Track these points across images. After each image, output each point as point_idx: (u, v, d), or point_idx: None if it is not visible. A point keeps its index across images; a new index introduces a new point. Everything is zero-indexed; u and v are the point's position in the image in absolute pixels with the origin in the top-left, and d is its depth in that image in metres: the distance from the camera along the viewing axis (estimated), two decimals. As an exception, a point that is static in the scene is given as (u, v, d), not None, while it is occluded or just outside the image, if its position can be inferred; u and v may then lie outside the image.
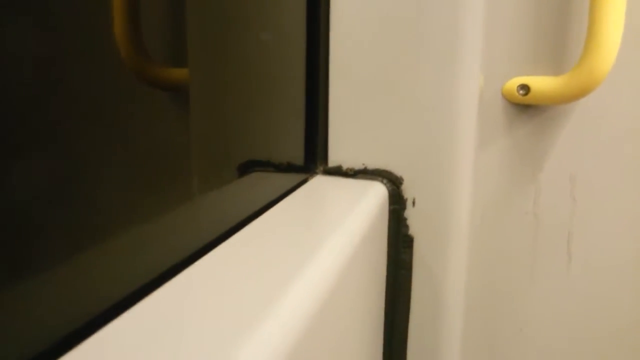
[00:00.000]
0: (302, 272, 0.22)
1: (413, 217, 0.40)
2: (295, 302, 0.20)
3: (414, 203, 0.40)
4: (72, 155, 0.19)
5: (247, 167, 0.35)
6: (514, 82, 0.50)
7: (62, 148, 0.19)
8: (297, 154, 0.39)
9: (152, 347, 0.15)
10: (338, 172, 0.40)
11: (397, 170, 0.39)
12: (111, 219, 0.21)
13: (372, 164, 0.40)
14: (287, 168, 0.38)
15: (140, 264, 0.22)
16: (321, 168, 0.40)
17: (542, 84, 0.49)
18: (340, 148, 0.40)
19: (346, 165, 0.40)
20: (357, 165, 0.40)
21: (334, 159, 0.40)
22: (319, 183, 0.38)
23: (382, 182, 0.39)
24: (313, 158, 0.40)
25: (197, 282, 0.21)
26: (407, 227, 0.40)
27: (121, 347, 0.15)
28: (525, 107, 0.52)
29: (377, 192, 0.37)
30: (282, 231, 0.27)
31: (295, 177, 0.38)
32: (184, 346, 0.16)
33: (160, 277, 0.21)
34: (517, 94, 0.50)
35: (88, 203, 0.20)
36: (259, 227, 0.27)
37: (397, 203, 0.39)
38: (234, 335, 0.16)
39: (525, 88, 0.49)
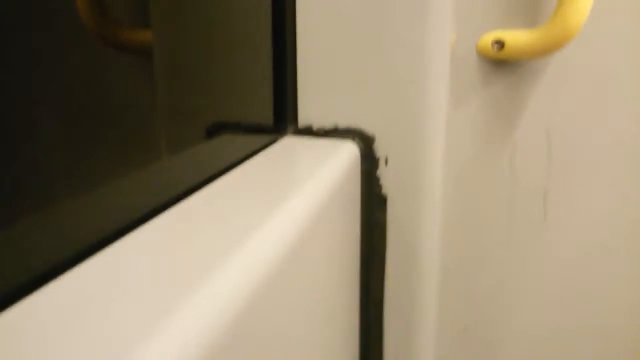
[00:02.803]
0: (265, 224, 0.23)
1: (386, 176, 0.41)
2: (258, 253, 0.20)
3: (386, 162, 0.40)
4: (36, 119, 0.19)
5: (215, 129, 0.35)
6: (488, 38, 0.50)
7: (27, 112, 0.19)
8: (266, 115, 0.40)
9: (99, 299, 0.16)
10: (308, 131, 0.40)
11: (369, 129, 0.40)
12: (75, 178, 0.22)
13: (343, 123, 0.40)
14: (256, 129, 0.39)
15: (101, 219, 0.23)
16: (291, 128, 0.41)
17: (516, 38, 0.49)
18: (311, 107, 0.41)
19: (317, 124, 0.40)
20: (328, 124, 0.40)
21: (304, 119, 0.41)
22: (288, 143, 0.38)
23: (353, 141, 0.39)
24: (282, 118, 0.40)
25: (154, 238, 0.21)
26: (380, 186, 0.41)
27: (76, 295, 0.16)
28: (500, 63, 0.53)
29: (348, 151, 0.38)
30: (246, 189, 0.28)
31: (265, 138, 0.38)
32: (136, 295, 0.16)
33: (123, 229, 0.22)
34: (491, 49, 0.50)
35: (52, 163, 0.21)
36: (223, 185, 0.28)
37: (368, 162, 0.40)
38: (188, 286, 0.17)
39: (499, 43, 0.50)
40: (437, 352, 0.50)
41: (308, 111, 0.41)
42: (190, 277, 0.18)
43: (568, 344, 0.63)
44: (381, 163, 0.40)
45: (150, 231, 0.22)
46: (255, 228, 0.22)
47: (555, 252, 0.61)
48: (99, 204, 0.23)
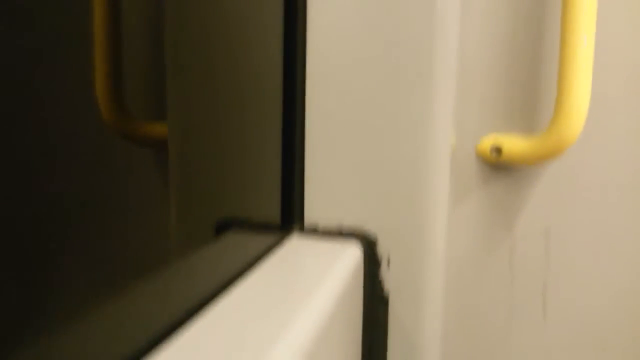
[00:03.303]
0: (281, 339, 0.23)
1: (388, 277, 0.42)
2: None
3: (388, 263, 0.42)
4: (48, 213, 0.20)
5: (224, 226, 0.36)
6: (486, 143, 0.53)
7: (38, 206, 0.19)
8: (274, 213, 0.41)
9: None
10: (314, 231, 0.42)
11: (372, 230, 0.42)
12: (82, 282, 0.22)
13: (347, 223, 0.42)
14: (264, 227, 0.40)
15: (113, 336, 0.23)
16: (297, 227, 0.42)
17: (514, 145, 0.52)
18: (316, 207, 0.42)
19: (322, 224, 0.42)
20: (333, 224, 0.42)
21: (310, 219, 0.42)
22: (294, 246, 0.40)
23: (357, 242, 0.41)
24: (290, 217, 0.42)
25: (175, 356, 0.22)
26: (381, 287, 0.42)
27: None
28: (499, 165, 0.55)
29: (352, 253, 0.39)
30: (260, 299, 0.29)
31: (272, 237, 0.39)
32: None
33: (137, 351, 0.22)
34: (490, 155, 0.53)
35: (61, 263, 0.21)
36: (236, 295, 0.29)
37: (372, 263, 0.41)
38: None
39: (497, 150, 0.52)
40: None
41: (314, 210, 0.42)
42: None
43: None
44: (383, 263, 0.42)
45: (167, 350, 0.22)
46: (268, 345, 0.23)
47: (554, 350, 0.61)
48: (106, 315, 0.23)
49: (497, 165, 0.55)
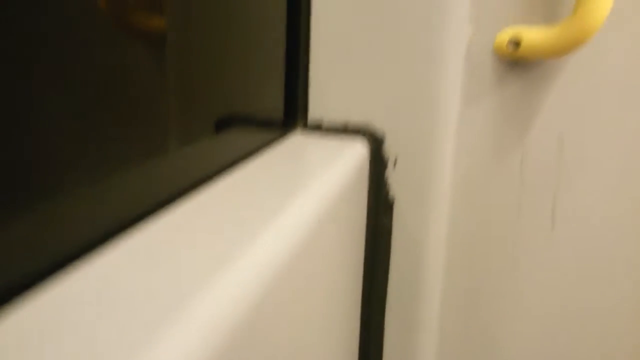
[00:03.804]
0: (272, 225, 0.22)
1: (394, 179, 0.40)
2: (264, 254, 0.20)
3: (395, 163, 0.40)
4: (45, 103, 0.19)
5: (225, 122, 0.35)
6: (504, 36, 0.50)
7: (35, 94, 0.19)
8: (276, 110, 0.39)
9: (109, 292, 0.16)
10: (318, 128, 0.40)
11: (380, 128, 0.40)
12: (82, 167, 0.22)
13: (353, 120, 0.40)
14: (266, 123, 0.38)
15: (108, 212, 0.22)
16: (301, 123, 0.40)
17: (533, 37, 0.49)
18: (322, 103, 0.40)
19: (327, 120, 0.40)
20: (339, 120, 0.40)
21: (314, 114, 0.40)
22: (297, 140, 0.38)
23: (363, 140, 0.39)
24: (293, 113, 0.40)
25: (158, 235, 0.21)
26: (387, 189, 0.40)
27: (90, 285, 0.16)
28: (515, 63, 0.52)
29: (358, 150, 0.37)
30: (254, 188, 0.28)
31: (274, 133, 0.38)
32: (146, 291, 0.16)
33: (129, 223, 0.22)
34: (507, 49, 0.50)
35: (60, 150, 0.21)
36: (230, 183, 0.28)
37: (378, 163, 0.40)
38: (195, 285, 0.17)
39: (515, 42, 0.49)
40: (438, 355, 0.50)
41: (319, 106, 0.40)
42: (197, 275, 0.18)
43: (573, 350, 0.63)
44: (390, 164, 0.40)
45: (157, 228, 0.22)
46: (261, 230, 0.22)
47: (561, 259, 0.61)
48: (106, 196, 0.23)
49: (514, 63, 0.52)
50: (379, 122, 0.39)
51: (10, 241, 0.18)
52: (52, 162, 0.20)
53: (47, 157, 0.20)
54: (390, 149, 0.40)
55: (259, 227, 0.22)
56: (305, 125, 0.40)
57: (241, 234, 0.22)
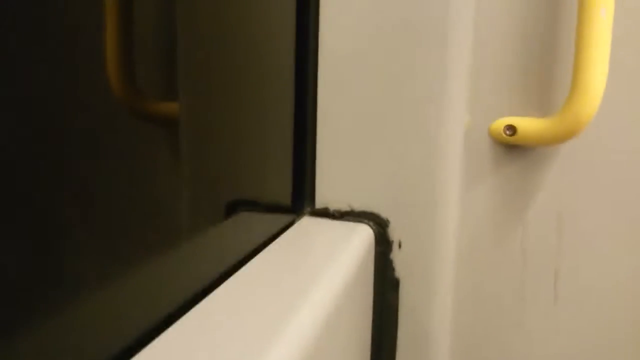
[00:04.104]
0: (289, 319, 0.24)
1: (399, 260, 0.42)
2: (283, 347, 0.22)
3: (400, 245, 0.42)
4: (54, 194, 0.20)
5: (235, 207, 0.37)
6: (500, 123, 0.53)
7: (47, 184, 0.19)
8: (284, 195, 0.41)
9: None
10: (325, 213, 0.42)
11: (383, 212, 0.42)
12: (93, 262, 0.22)
13: (358, 205, 0.42)
14: (275, 208, 0.40)
15: (125, 317, 0.23)
16: (308, 209, 0.43)
17: (528, 125, 0.51)
18: (327, 189, 0.42)
19: (333, 206, 0.42)
20: (344, 206, 0.42)
21: (320, 200, 0.43)
22: (306, 227, 0.40)
23: (368, 224, 0.41)
24: (300, 198, 0.42)
25: (182, 337, 0.22)
26: (393, 269, 0.42)
27: None
28: (512, 146, 0.55)
29: (363, 234, 0.39)
30: (269, 279, 0.29)
31: (283, 218, 0.40)
32: None
33: (147, 332, 0.22)
34: (503, 134, 0.52)
35: (72, 247, 0.21)
36: (247, 275, 0.29)
37: (383, 245, 0.42)
38: None
39: (511, 129, 0.52)
40: None
41: (325, 192, 0.42)
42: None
43: None
44: (395, 246, 0.42)
45: (175, 332, 0.23)
46: (282, 321, 0.23)
47: (565, 334, 0.61)
48: (120, 296, 0.23)
49: (510, 147, 0.55)
50: (383, 208, 0.42)
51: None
52: (62, 268, 0.20)
53: (54, 254, 0.20)
54: (394, 232, 0.42)
55: (286, 313, 0.24)
56: (313, 210, 0.42)
57: (259, 331, 0.23)
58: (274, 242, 0.35)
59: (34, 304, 0.19)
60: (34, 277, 0.19)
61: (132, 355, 0.20)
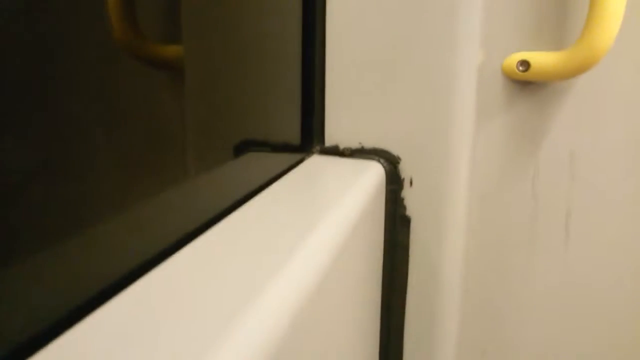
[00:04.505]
0: (296, 253, 0.23)
1: (410, 197, 0.42)
2: (290, 282, 0.21)
3: (411, 183, 0.41)
4: (64, 135, 0.20)
5: (243, 147, 0.36)
6: (513, 58, 0.51)
7: (54, 127, 0.19)
8: (293, 134, 0.41)
9: (135, 335, 0.17)
10: (335, 151, 0.42)
11: (395, 149, 0.41)
12: (103, 199, 0.22)
13: (369, 143, 0.41)
14: (283, 148, 0.40)
15: (134, 245, 0.23)
16: (318, 147, 0.42)
17: (542, 59, 0.50)
18: (337, 127, 0.42)
19: (343, 144, 0.42)
20: (354, 144, 0.41)
21: (330, 138, 0.42)
22: (314, 163, 0.39)
23: (379, 161, 0.41)
24: (309, 137, 0.42)
25: (189, 265, 0.22)
26: (404, 207, 0.42)
27: (103, 334, 0.17)
28: (525, 83, 0.54)
29: (374, 171, 0.39)
30: (276, 213, 0.29)
31: (292, 157, 0.39)
32: (174, 327, 0.17)
33: (154, 258, 0.22)
34: (516, 70, 0.51)
35: (81, 182, 0.21)
36: (253, 209, 0.29)
37: (394, 183, 0.41)
38: (226, 317, 0.18)
39: (525, 64, 0.51)
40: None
41: (335, 130, 0.42)
42: (235, 299, 0.19)
43: (586, 354, 0.64)
44: (406, 184, 0.41)
45: (184, 259, 0.23)
46: (293, 250, 0.23)
47: (576, 274, 0.62)
48: (128, 226, 0.24)
49: (524, 84, 0.54)
50: (394, 145, 0.41)
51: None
52: (74, 190, 0.21)
53: (71, 185, 0.20)
54: (406, 170, 0.41)
55: (291, 249, 0.23)
56: (322, 149, 0.42)
57: (275, 256, 0.23)
58: (280, 179, 0.34)
59: (47, 225, 0.19)
60: (49, 201, 0.19)
61: (141, 275, 0.21)
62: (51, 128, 0.19)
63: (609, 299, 0.63)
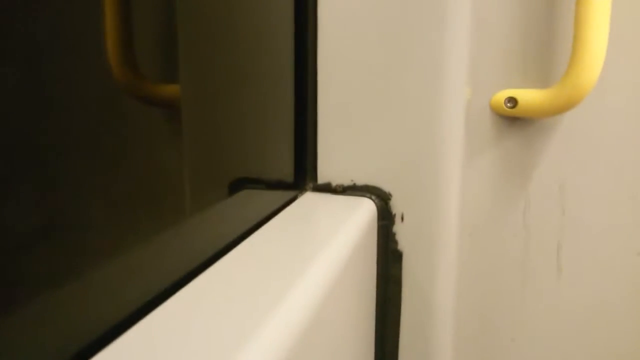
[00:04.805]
0: (292, 291, 0.24)
1: (402, 233, 0.43)
2: (286, 319, 0.22)
3: (402, 218, 0.43)
4: (62, 175, 0.20)
5: (238, 185, 0.37)
6: (501, 95, 0.53)
7: (54, 168, 0.20)
8: (287, 171, 0.42)
9: None
10: (327, 188, 0.43)
11: (386, 186, 0.42)
12: (101, 242, 0.23)
13: (360, 180, 0.43)
14: (277, 185, 0.41)
15: (132, 287, 0.24)
16: (311, 185, 0.43)
17: (529, 97, 0.52)
18: (329, 165, 0.43)
19: (335, 181, 0.43)
20: (346, 181, 0.43)
21: (323, 176, 0.43)
22: (308, 200, 0.41)
23: (370, 198, 0.42)
24: (303, 175, 0.43)
25: (187, 306, 0.23)
26: (395, 242, 0.43)
27: None
28: (513, 119, 0.56)
29: (366, 208, 0.40)
30: (272, 251, 0.30)
31: (285, 194, 0.40)
32: None
33: (153, 299, 0.23)
34: (504, 107, 0.53)
35: (81, 223, 0.21)
36: (250, 247, 0.30)
37: (385, 218, 0.42)
38: (223, 355, 0.18)
39: (512, 101, 0.52)
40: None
41: (327, 168, 0.43)
42: (227, 343, 0.20)
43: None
44: (397, 219, 0.43)
45: (180, 302, 0.23)
46: (285, 292, 0.24)
47: (569, 307, 0.62)
48: (126, 268, 0.24)
49: (512, 120, 0.55)
50: (385, 182, 0.42)
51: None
52: (74, 239, 0.21)
53: (65, 228, 0.20)
54: (397, 206, 0.42)
55: (285, 287, 0.24)
56: (315, 185, 0.43)
57: (269, 296, 0.23)
58: (275, 217, 0.35)
59: (48, 271, 0.19)
60: (49, 247, 0.19)
61: (139, 319, 0.21)
62: (50, 168, 0.20)
63: (602, 330, 0.63)
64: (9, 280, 0.18)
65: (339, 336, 0.31)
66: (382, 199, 0.42)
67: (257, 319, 0.21)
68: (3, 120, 0.17)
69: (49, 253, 0.20)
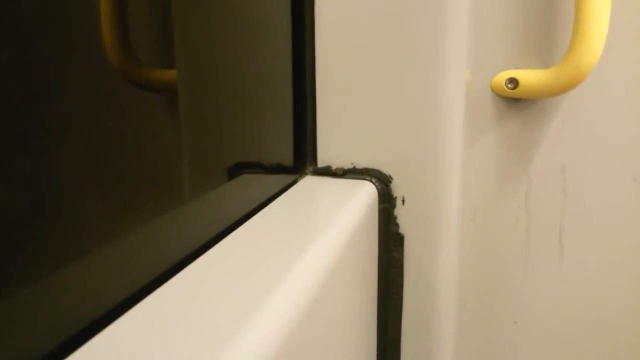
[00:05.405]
0: (291, 272, 0.24)
1: (403, 215, 0.43)
2: (285, 301, 0.22)
3: (403, 201, 0.42)
4: (59, 160, 0.20)
5: (237, 169, 0.37)
6: (502, 76, 0.53)
7: (51, 152, 0.20)
8: (286, 155, 0.42)
9: (144, 352, 0.17)
10: (327, 172, 0.43)
11: (386, 169, 0.42)
12: (100, 225, 0.23)
13: (360, 163, 0.42)
14: (277, 169, 0.41)
15: (132, 270, 0.24)
16: (310, 168, 0.43)
17: (530, 77, 0.51)
18: (329, 148, 0.43)
19: (335, 165, 0.43)
20: (346, 164, 0.43)
21: (323, 159, 0.43)
22: (308, 184, 0.41)
23: (371, 181, 0.42)
24: (302, 159, 0.43)
25: (188, 288, 0.23)
26: (397, 225, 0.43)
27: (114, 352, 0.17)
28: (514, 100, 0.55)
29: (366, 191, 0.40)
30: (271, 233, 0.30)
31: (285, 178, 0.40)
32: (174, 348, 0.18)
33: (153, 282, 0.23)
34: (505, 87, 0.52)
35: (78, 208, 0.21)
36: (249, 230, 0.30)
37: (386, 202, 0.42)
38: (223, 337, 0.18)
39: (513, 82, 0.52)
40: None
41: (327, 151, 0.43)
42: (229, 322, 0.20)
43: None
44: (398, 202, 0.42)
45: (181, 282, 0.23)
46: (284, 274, 0.24)
47: (571, 288, 0.62)
48: (127, 250, 0.24)
49: (513, 101, 0.55)
50: (385, 165, 0.42)
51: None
52: (69, 218, 0.21)
53: (64, 213, 0.21)
54: (398, 189, 0.42)
55: (286, 268, 0.24)
56: (315, 169, 0.43)
57: (265, 283, 0.24)
58: (275, 200, 0.35)
59: (47, 252, 0.19)
60: (48, 227, 0.19)
61: (139, 300, 0.21)
62: (46, 153, 0.20)
63: (605, 312, 0.63)
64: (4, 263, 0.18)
65: (341, 319, 0.31)
66: (383, 182, 0.42)
67: (257, 301, 0.21)
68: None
69: (42, 237, 0.20)
